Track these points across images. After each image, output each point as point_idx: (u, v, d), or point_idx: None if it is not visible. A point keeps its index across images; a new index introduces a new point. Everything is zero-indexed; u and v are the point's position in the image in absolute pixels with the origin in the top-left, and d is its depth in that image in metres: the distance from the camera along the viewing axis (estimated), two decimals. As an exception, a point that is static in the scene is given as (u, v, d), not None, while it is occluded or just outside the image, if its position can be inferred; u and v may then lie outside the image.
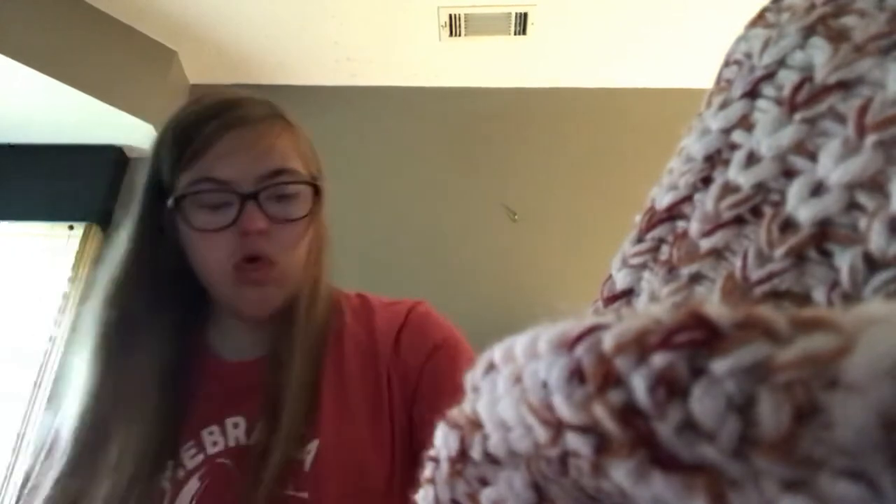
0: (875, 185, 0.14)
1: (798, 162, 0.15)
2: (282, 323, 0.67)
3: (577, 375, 0.11)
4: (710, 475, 0.09)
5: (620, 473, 0.10)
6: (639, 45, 2.14)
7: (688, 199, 0.18)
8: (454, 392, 0.15)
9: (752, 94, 0.18)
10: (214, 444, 0.64)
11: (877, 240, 0.13)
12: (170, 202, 0.64)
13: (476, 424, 0.14)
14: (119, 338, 0.64)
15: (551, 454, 0.12)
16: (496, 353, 0.14)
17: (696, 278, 0.16)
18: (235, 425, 0.65)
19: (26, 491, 0.65)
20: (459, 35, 2.13)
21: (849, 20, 0.17)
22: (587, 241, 2.02)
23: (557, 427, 0.11)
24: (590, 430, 0.11)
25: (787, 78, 0.17)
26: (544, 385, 0.12)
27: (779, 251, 0.15)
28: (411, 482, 0.42)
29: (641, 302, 0.18)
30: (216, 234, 0.63)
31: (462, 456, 0.14)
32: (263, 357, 0.68)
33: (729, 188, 0.17)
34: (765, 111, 0.17)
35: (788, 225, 0.15)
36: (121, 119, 2.12)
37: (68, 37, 2.03)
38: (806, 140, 0.16)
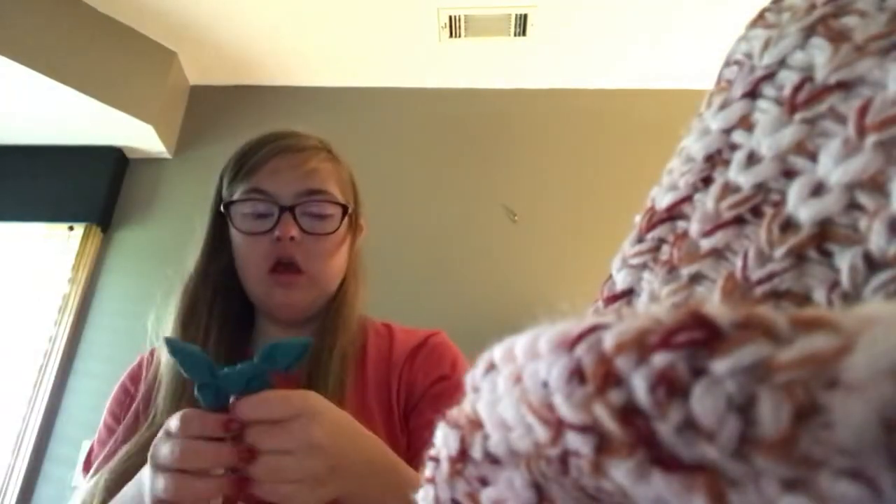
0: (875, 185, 0.14)
1: (798, 162, 0.15)
2: (317, 332, 0.74)
3: (577, 375, 0.11)
4: (711, 475, 0.09)
5: (621, 473, 0.10)
6: (638, 46, 2.14)
7: (688, 199, 0.18)
8: None
9: (753, 94, 0.18)
10: None
11: (877, 240, 0.13)
12: (221, 206, 0.74)
13: (476, 424, 0.14)
14: (191, 321, 0.73)
15: (551, 454, 0.12)
16: (496, 353, 0.14)
17: (696, 278, 0.16)
18: None
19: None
20: (459, 36, 2.13)
21: (849, 20, 0.16)
22: (587, 241, 2.02)
23: (558, 427, 0.11)
24: (590, 429, 0.11)
25: (788, 78, 0.17)
26: (545, 385, 0.12)
27: (779, 251, 0.15)
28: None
29: (641, 302, 0.18)
30: (256, 237, 0.73)
31: (462, 455, 0.14)
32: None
33: (729, 188, 0.17)
34: (765, 111, 0.17)
35: (789, 225, 0.15)
36: (121, 120, 2.12)
37: (69, 38, 2.03)
38: (806, 140, 0.16)
